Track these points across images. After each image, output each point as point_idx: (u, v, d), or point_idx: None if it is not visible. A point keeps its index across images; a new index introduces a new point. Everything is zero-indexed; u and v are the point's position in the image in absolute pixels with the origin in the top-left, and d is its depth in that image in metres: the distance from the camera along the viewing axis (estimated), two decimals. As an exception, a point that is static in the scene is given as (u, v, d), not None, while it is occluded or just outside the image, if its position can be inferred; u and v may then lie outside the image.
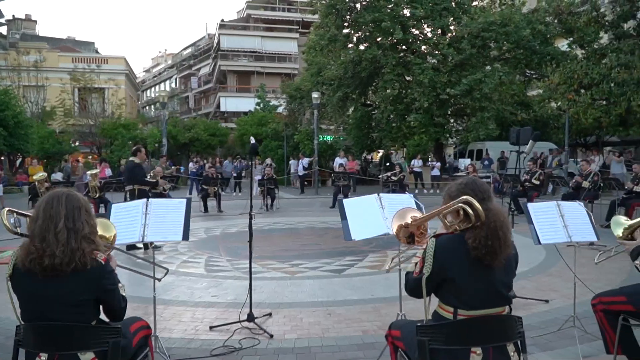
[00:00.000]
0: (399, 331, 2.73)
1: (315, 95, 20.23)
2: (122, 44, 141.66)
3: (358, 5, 20.34)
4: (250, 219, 4.75)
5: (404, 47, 20.92)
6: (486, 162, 20.00)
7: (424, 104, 19.25)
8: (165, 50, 71.91)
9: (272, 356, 3.95)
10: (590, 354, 3.71)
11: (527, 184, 12.17)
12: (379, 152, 30.56)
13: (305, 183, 22.25)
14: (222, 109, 43.23)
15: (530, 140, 5.41)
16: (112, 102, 31.59)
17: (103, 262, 2.39)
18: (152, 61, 73.81)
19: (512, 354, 2.35)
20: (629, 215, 9.55)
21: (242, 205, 14.46)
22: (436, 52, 19.49)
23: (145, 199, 3.70)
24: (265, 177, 14.96)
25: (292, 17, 45.25)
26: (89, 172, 13.01)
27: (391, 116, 21.51)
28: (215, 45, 46.24)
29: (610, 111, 14.91)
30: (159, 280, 4.00)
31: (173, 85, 59.54)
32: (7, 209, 2.50)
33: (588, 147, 25.16)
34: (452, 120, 23.22)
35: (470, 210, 2.31)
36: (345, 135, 25.26)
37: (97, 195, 12.66)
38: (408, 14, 20.11)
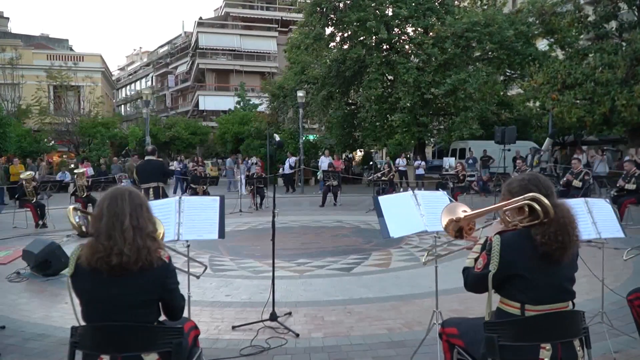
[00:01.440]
0: (455, 329, 2.73)
1: (300, 94, 20.17)
2: (95, 41, 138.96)
3: (342, 5, 20.35)
4: (274, 217, 4.67)
5: (387, 46, 21.04)
6: (470, 161, 20.25)
7: (408, 103, 19.40)
8: (141, 48, 70.85)
9: (304, 355, 3.92)
10: (620, 349, 3.79)
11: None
12: (359, 152, 30.70)
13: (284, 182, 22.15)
14: (201, 107, 42.81)
15: (548, 138, 5.48)
16: (89, 100, 30.89)
17: (167, 261, 2.34)
18: (127, 59, 72.59)
19: (577, 349, 2.37)
20: (621, 213, 9.81)
21: (232, 205, 14.33)
22: (420, 51, 19.65)
23: (178, 197, 3.63)
24: (254, 176, 14.84)
25: (271, 15, 45.09)
26: (75, 171, 12.69)
27: (375, 115, 21.61)
28: (193, 43, 45.75)
29: (594, 110, 15.27)
30: (198, 277, 3.95)
31: (149, 83, 58.60)
32: (72, 206, 2.42)
33: (566, 146, 25.78)
34: (434, 120, 23.47)
35: (537, 207, 2.32)
36: (328, 134, 25.23)
37: (85, 194, 12.36)
38: (392, 14, 20.23)
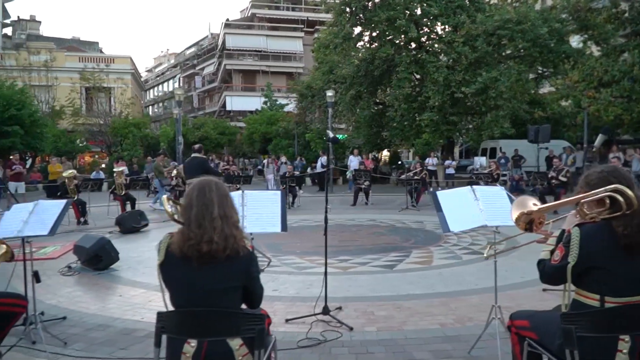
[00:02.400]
0: (527, 321, 2.74)
1: (329, 93, 20.21)
2: (124, 43, 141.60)
3: (370, 4, 20.29)
4: (326, 212, 4.72)
5: (417, 45, 20.92)
6: (502, 161, 20.00)
7: (437, 102, 19.24)
8: (168, 50, 71.99)
9: (360, 348, 3.97)
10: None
11: (554, 181, 12.19)
12: (386, 151, 30.59)
13: (316, 181, 22.24)
14: (228, 108, 43.25)
15: (600, 135, 5.40)
16: (120, 101, 31.52)
17: (251, 250, 2.42)
18: (155, 61, 73.80)
19: (657, 341, 2.36)
20: None
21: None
22: (450, 50, 19.47)
23: (240, 191, 3.71)
24: (287, 175, 14.95)
25: (297, 16, 45.28)
26: (114, 170, 12.99)
27: (403, 115, 21.50)
28: (220, 44, 46.24)
29: (632, 108, 14.93)
30: (262, 270, 4.02)
31: (176, 84, 59.46)
32: (165, 196, 2.52)
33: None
34: (463, 119, 23.24)
35: (620, 198, 2.32)
36: (355, 134, 25.21)
37: (123, 192, 12.65)
38: (421, 12, 20.11)
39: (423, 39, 20.15)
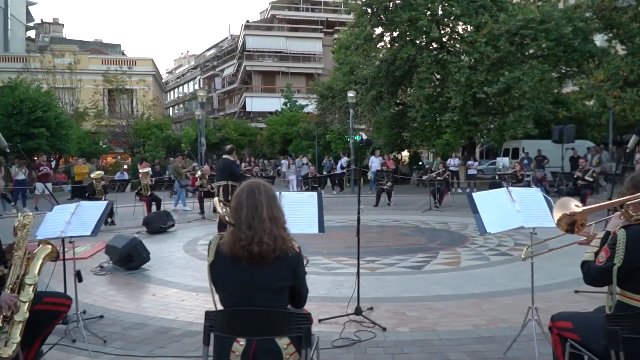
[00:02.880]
0: (569, 322, 2.74)
1: (350, 94, 20.22)
2: (145, 45, 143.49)
3: (392, 4, 20.25)
4: (359, 213, 4.76)
5: (438, 45, 20.83)
6: (525, 161, 19.76)
7: (459, 102, 19.11)
8: (188, 51, 72.94)
9: (395, 348, 4.00)
10: None
11: (580, 181, 12.05)
12: (406, 152, 30.48)
13: (336, 182, 22.25)
14: (248, 109, 43.54)
15: (634, 135, 5.33)
16: (143, 102, 31.98)
17: (298, 250, 2.47)
18: (175, 62, 74.71)
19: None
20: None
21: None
22: (472, 50, 19.34)
23: (277, 193, 3.76)
24: (309, 176, 15.01)
25: (316, 17, 45.42)
26: (140, 171, 13.19)
27: (424, 115, 21.40)
28: (239, 45, 46.57)
29: (659, 108, 14.70)
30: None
31: (196, 86, 60.05)
32: (217, 198, 2.59)
33: (620, 144, 24.80)
34: (485, 119, 23.04)
35: (670, 200, 2.32)
36: (376, 134, 25.19)
37: (149, 193, 12.85)
38: (442, 12, 20.01)
39: (445, 39, 20.03)
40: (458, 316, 4.72)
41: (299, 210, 3.67)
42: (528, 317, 3.81)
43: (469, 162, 20.79)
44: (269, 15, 46.91)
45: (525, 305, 4.97)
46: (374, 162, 20.69)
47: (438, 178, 14.33)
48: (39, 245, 3.54)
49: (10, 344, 3.10)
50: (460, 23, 20.53)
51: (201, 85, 58.41)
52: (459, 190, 19.95)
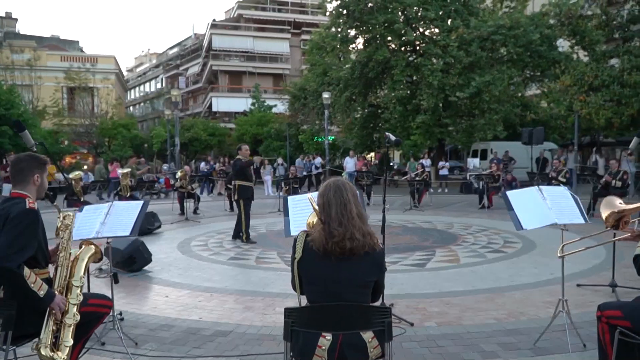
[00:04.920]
0: (618, 311, 2.93)
1: (326, 95, 20.36)
2: (103, 42, 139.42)
3: (368, 6, 20.48)
4: (384, 212, 4.86)
5: (412, 48, 21.20)
6: (495, 162, 20.38)
7: (431, 105, 19.52)
8: (149, 49, 71.21)
9: (429, 342, 4.11)
10: None
11: (554, 181, 12.56)
12: (372, 153, 30.87)
13: (313, 182, 22.33)
14: (214, 108, 43.04)
15: (635, 137, 5.64)
16: (107, 101, 31.14)
17: (382, 246, 2.54)
18: (136, 60, 72.93)
19: None
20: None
21: (269, 205, 14.54)
22: (445, 54, 19.80)
23: (309, 193, 3.82)
24: (290, 177, 15.04)
25: (284, 17, 45.36)
26: (119, 171, 12.90)
27: (397, 117, 21.74)
28: (205, 45, 45.98)
29: (622, 112, 15.46)
30: None
31: (159, 85, 58.89)
32: (309, 195, 2.61)
33: (581, 147, 25.94)
34: (455, 121, 23.61)
35: None
36: (349, 135, 25.41)
37: (129, 194, 12.57)
38: (418, 16, 20.39)
39: (418, 42, 20.42)
40: (478, 310, 4.89)
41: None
42: (558, 308, 3.99)
43: (440, 163, 21.26)
44: (235, 15, 46.52)
45: (536, 299, 5.26)
46: (349, 163, 20.93)
47: (417, 178, 14.64)
48: (81, 247, 3.48)
49: (63, 348, 3.04)
50: (432, 27, 20.98)
51: (164, 84, 57.32)
52: (431, 190, 20.39)
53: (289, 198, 3.81)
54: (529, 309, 4.88)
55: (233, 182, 9.14)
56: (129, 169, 12.58)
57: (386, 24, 19.31)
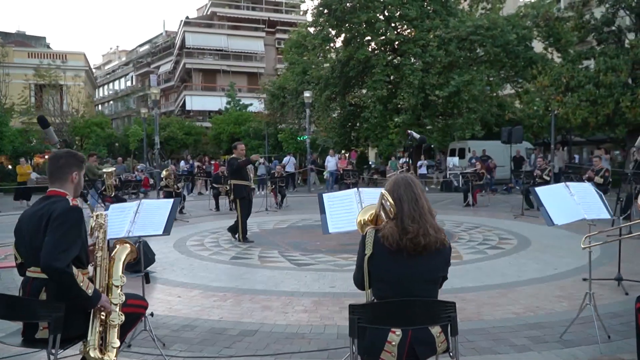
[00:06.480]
0: (659, 302, 3.03)
1: (307, 94, 20.35)
2: (70, 39, 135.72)
3: (349, 5, 20.55)
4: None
5: (393, 47, 21.39)
6: (472, 161, 20.78)
7: (412, 103, 19.74)
8: (118, 47, 69.68)
9: (459, 337, 4.14)
10: None
11: (538, 179, 12.87)
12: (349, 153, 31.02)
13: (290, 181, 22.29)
14: (188, 107, 42.46)
15: (640, 137, 5.82)
16: (78, 99, 30.30)
17: (449, 242, 2.56)
18: (104, 58, 71.25)
19: None
20: (645, 207, 10.40)
21: (255, 204, 14.41)
22: (425, 53, 20.06)
23: (356, 189, 3.82)
24: (276, 175, 14.97)
25: (258, 15, 45.07)
26: (104, 170, 12.56)
27: (377, 116, 21.90)
28: (178, 42, 45.30)
29: (597, 112, 15.96)
30: None
31: (129, 83, 57.75)
32: (383, 190, 2.59)
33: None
34: (434, 120, 23.94)
35: None
36: (331, 134, 25.43)
37: (113, 194, 12.28)
38: (398, 15, 20.60)
39: (399, 41, 20.61)
40: (494, 306, 4.97)
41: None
42: (585, 302, 4.09)
43: (420, 162, 21.51)
44: (208, 13, 45.98)
45: (548, 294, 5.39)
46: (330, 162, 20.97)
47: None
48: (115, 246, 3.39)
49: (111, 349, 2.96)
50: (412, 27, 21.21)
51: (134, 82, 56.23)
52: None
53: (325, 196, 3.80)
54: (544, 303, 4.99)
55: (229, 182, 9.05)
56: (113, 169, 12.29)
57: (367, 23, 19.43)
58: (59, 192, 3.02)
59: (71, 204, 2.93)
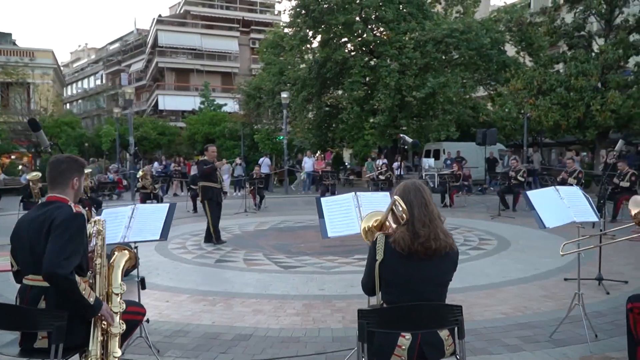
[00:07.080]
0: (650, 302, 3.15)
1: (284, 95, 20.30)
2: (37, 36, 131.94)
3: (326, 6, 20.58)
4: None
5: (368, 50, 21.52)
6: (448, 162, 21.09)
7: (388, 104, 19.90)
8: (87, 44, 68.20)
9: (483, 335, 4.21)
10: None
11: (512, 180, 13.15)
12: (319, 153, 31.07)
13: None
14: (161, 107, 41.82)
15: (620, 140, 6.01)
16: (46, 97, 29.51)
17: (456, 245, 2.60)
18: (72, 55, 69.59)
19: None
20: (617, 208, 10.77)
21: (233, 206, 14.34)
22: (401, 55, 20.24)
23: (353, 193, 3.84)
24: (255, 177, 14.90)
25: (232, 15, 44.71)
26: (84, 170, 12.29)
27: (353, 117, 22.00)
28: (150, 41, 44.57)
29: (569, 115, 16.40)
30: None
31: (99, 81, 56.53)
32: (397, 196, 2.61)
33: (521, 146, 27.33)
34: (409, 122, 24.18)
35: None
36: (308, 135, 25.40)
37: (88, 195, 12.01)
38: (375, 17, 20.74)
39: (376, 43, 20.75)
40: (484, 306, 5.06)
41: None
42: (574, 302, 4.20)
43: (396, 164, 21.68)
44: (181, 11, 45.39)
45: (533, 294, 5.51)
46: (307, 163, 20.98)
47: (381, 177, 14.90)
48: (114, 253, 3.32)
49: (112, 359, 2.91)
50: (388, 29, 21.38)
51: (104, 81, 55.07)
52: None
53: (322, 200, 3.81)
54: (530, 303, 5.11)
55: (198, 183, 9.04)
56: (89, 170, 12.01)
57: (344, 25, 19.50)
58: (59, 197, 2.95)
59: (74, 210, 2.87)
